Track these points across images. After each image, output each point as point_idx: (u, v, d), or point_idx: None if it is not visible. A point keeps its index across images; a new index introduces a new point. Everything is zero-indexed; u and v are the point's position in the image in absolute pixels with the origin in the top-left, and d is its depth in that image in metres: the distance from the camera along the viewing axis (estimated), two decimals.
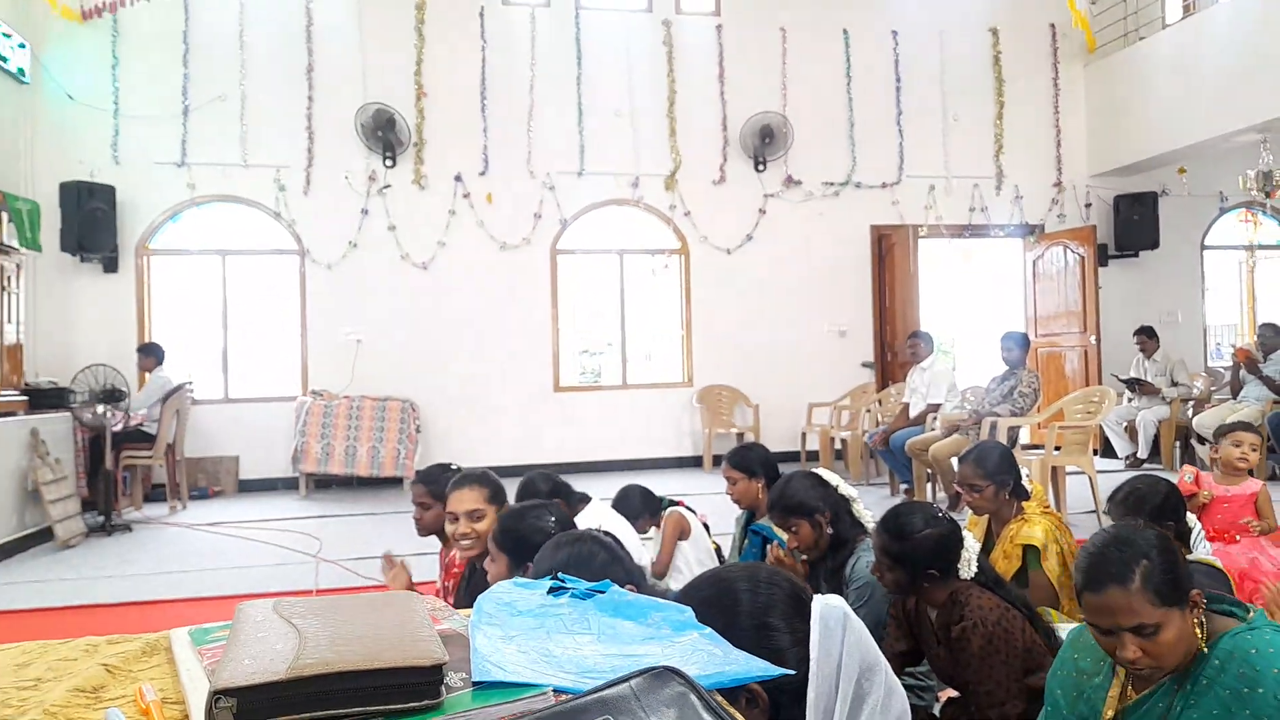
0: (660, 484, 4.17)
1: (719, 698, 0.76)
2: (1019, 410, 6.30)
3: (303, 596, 1.02)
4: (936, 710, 2.58)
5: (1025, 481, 3.27)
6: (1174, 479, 3.17)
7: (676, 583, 3.53)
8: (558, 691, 0.82)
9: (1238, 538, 3.63)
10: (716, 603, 1.21)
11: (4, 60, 7.33)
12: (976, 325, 10.74)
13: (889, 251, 9.33)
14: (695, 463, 8.91)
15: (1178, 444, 8.06)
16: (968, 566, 2.32)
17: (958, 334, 11.66)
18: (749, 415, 8.94)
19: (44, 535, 5.95)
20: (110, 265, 7.98)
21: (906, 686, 1.35)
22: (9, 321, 6.98)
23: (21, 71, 7.56)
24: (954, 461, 5.68)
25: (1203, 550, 3.15)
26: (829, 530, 2.82)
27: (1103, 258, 9.53)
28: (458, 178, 8.57)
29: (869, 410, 8.30)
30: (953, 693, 2.49)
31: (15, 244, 7.08)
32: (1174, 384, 8.25)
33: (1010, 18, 9.65)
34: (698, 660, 0.91)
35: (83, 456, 6.73)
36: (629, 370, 9.20)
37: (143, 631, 1.12)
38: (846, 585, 2.75)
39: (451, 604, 2.43)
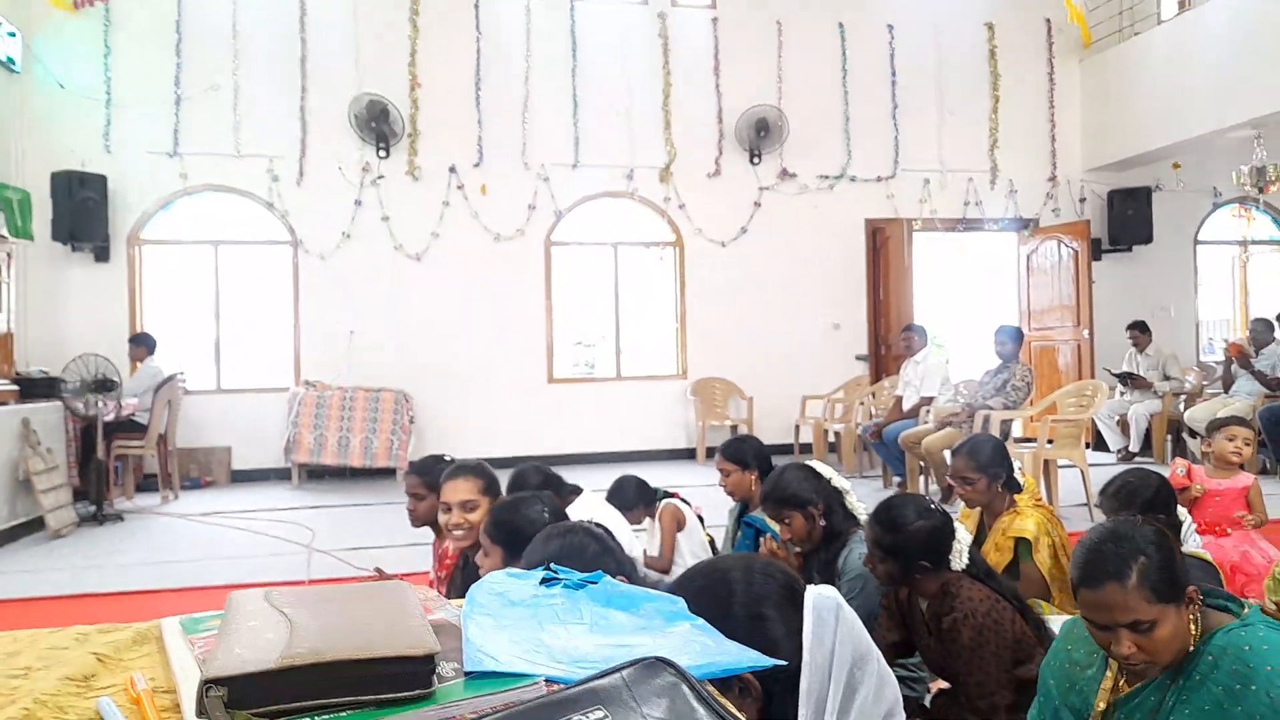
0: (654, 476, 4.18)
1: (710, 688, 0.76)
2: (1012, 404, 6.32)
3: (295, 587, 1.02)
4: (927, 701, 2.59)
5: (1017, 474, 3.29)
6: (1166, 473, 3.18)
7: (672, 575, 3.53)
8: (549, 681, 0.82)
9: (1229, 531, 3.65)
10: (710, 593, 1.21)
11: None
12: (970, 319, 10.76)
13: (883, 245, 9.34)
14: (689, 455, 8.92)
15: (1169, 438, 8.10)
16: (959, 558, 2.33)
17: (951, 327, 11.68)
18: (743, 408, 8.94)
19: (35, 525, 5.94)
20: (102, 255, 7.94)
21: (898, 678, 1.36)
22: (0, 311, 6.95)
23: (12, 60, 7.51)
24: (947, 454, 5.70)
25: (1193, 543, 3.17)
26: (822, 522, 2.83)
27: (1096, 252, 9.55)
28: (452, 169, 8.55)
29: (862, 403, 8.32)
30: (943, 684, 2.51)
31: (6, 233, 7.04)
32: (1166, 378, 8.28)
33: (1006, 12, 9.65)
34: (689, 651, 0.91)
35: (74, 446, 6.71)
36: (623, 362, 9.20)
37: (134, 621, 1.11)
38: (839, 577, 2.75)
39: (444, 594, 2.43)
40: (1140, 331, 8.53)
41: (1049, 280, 9.54)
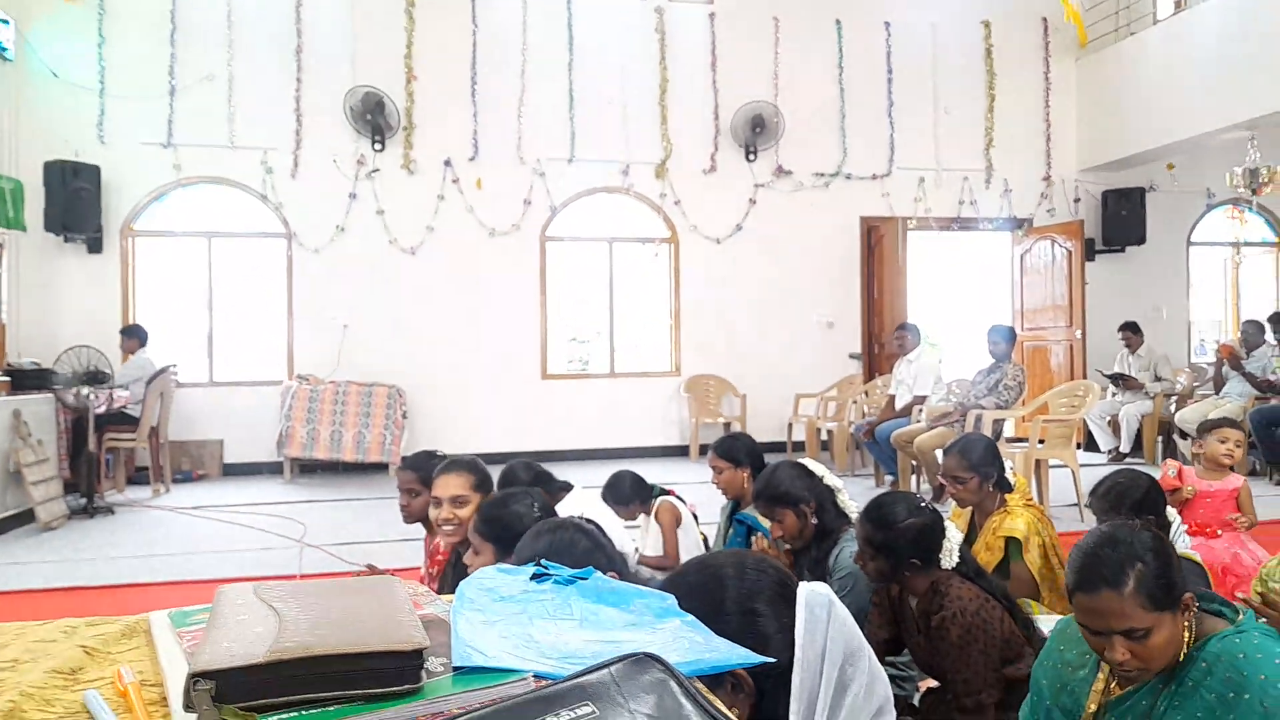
0: (647, 473, 4.18)
1: (699, 685, 0.76)
2: (1004, 403, 6.33)
3: (285, 581, 1.02)
4: (916, 700, 2.60)
5: (1009, 474, 3.29)
6: (1156, 473, 3.19)
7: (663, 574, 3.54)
8: (538, 677, 0.82)
9: (1219, 532, 3.67)
10: (703, 589, 1.21)
11: None
12: (963, 318, 10.78)
13: (878, 243, 9.35)
14: (682, 452, 8.93)
15: (1160, 439, 8.13)
16: (949, 557, 2.34)
17: (945, 326, 11.71)
18: (736, 405, 8.95)
19: (25, 517, 5.92)
20: (95, 246, 7.91)
21: (888, 676, 1.37)
22: None
23: (5, 48, 7.46)
24: (939, 453, 5.72)
25: (1183, 545, 3.18)
26: (813, 520, 2.84)
27: (1090, 252, 9.58)
28: (447, 163, 8.53)
29: (855, 401, 8.33)
30: (933, 682, 2.51)
31: None
32: (1157, 379, 8.31)
33: (1002, 11, 9.66)
34: (679, 647, 0.91)
35: (65, 438, 6.69)
36: (617, 359, 9.19)
37: (124, 614, 1.11)
38: (830, 575, 2.76)
39: (436, 590, 2.43)
40: (1132, 332, 8.56)
41: (1042, 280, 9.57)
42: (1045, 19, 9.75)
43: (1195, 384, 8.66)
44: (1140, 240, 9.72)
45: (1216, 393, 7.81)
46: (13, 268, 7.44)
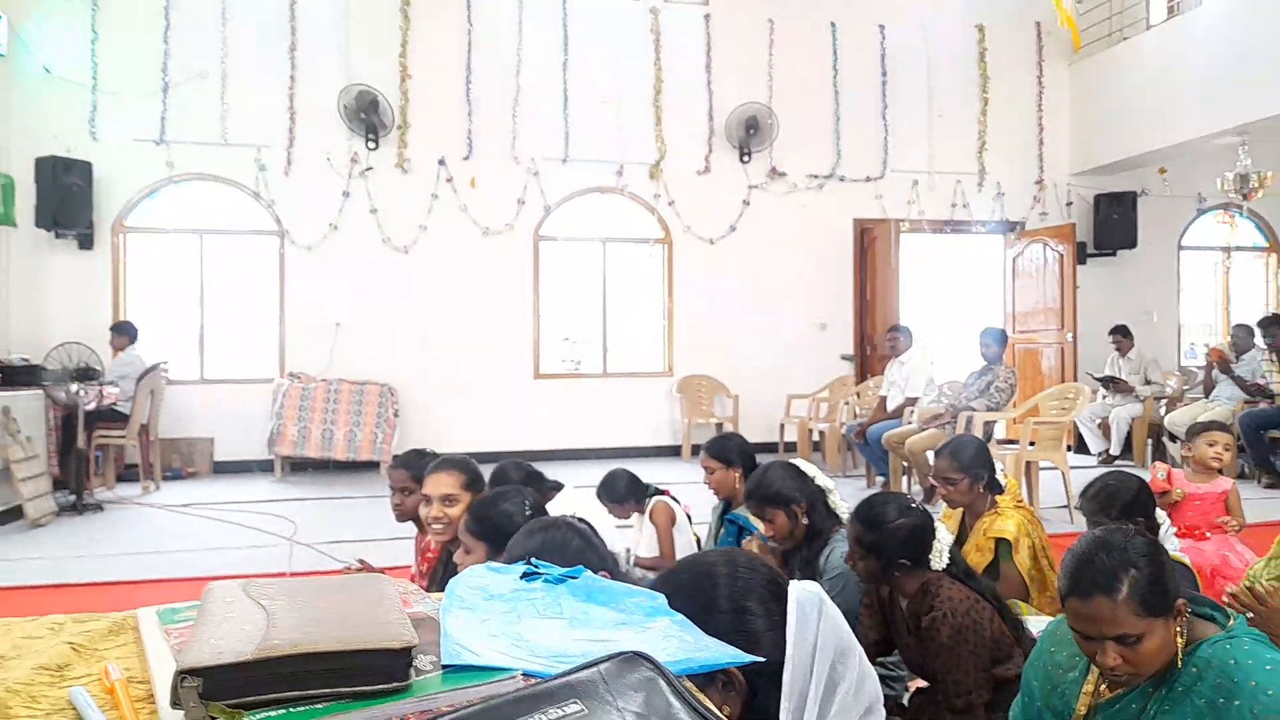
0: (639, 473, 4.17)
1: (688, 683, 0.77)
2: (995, 405, 6.35)
3: (274, 578, 1.02)
4: (906, 700, 2.61)
5: (1000, 476, 3.30)
6: (1146, 476, 3.21)
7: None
8: (527, 675, 0.82)
9: (1208, 535, 3.69)
10: (695, 586, 1.22)
11: None
12: (955, 320, 10.81)
13: (871, 245, 9.37)
14: (674, 452, 8.93)
15: (1150, 442, 8.16)
16: (940, 558, 2.35)
17: (937, 329, 11.74)
18: (728, 405, 8.96)
19: (14, 514, 5.89)
20: (86, 242, 7.87)
21: (878, 676, 1.37)
22: None
23: None
24: (930, 455, 5.73)
25: (1172, 547, 3.19)
26: (804, 520, 2.84)
27: (1081, 256, 9.61)
28: (441, 161, 8.52)
29: (847, 403, 8.35)
30: (922, 682, 2.52)
31: None
32: (1147, 382, 8.35)
33: (996, 15, 9.69)
34: (668, 646, 0.91)
35: (55, 435, 6.65)
36: (610, 359, 9.19)
37: (113, 611, 1.10)
38: (821, 575, 2.76)
39: (426, 589, 2.42)
40: (1123, 336, 8.60)
41: (1034, 283, 9.60)
42: (1039, 23, 9.78)
43: (1185, 387, 8.70)
44: (1131, 244, 9.76)
45: (1206, 396, 7.85)
46: (3, 264, 7.41)
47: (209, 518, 6.13)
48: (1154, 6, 9.39)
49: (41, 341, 7.33)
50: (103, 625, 1.04)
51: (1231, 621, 1.61)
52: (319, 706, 0.76)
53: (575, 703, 0.68)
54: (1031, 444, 6.07)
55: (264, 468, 7.95)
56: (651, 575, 3.32)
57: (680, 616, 1.00)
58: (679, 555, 3.67)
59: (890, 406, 7.12)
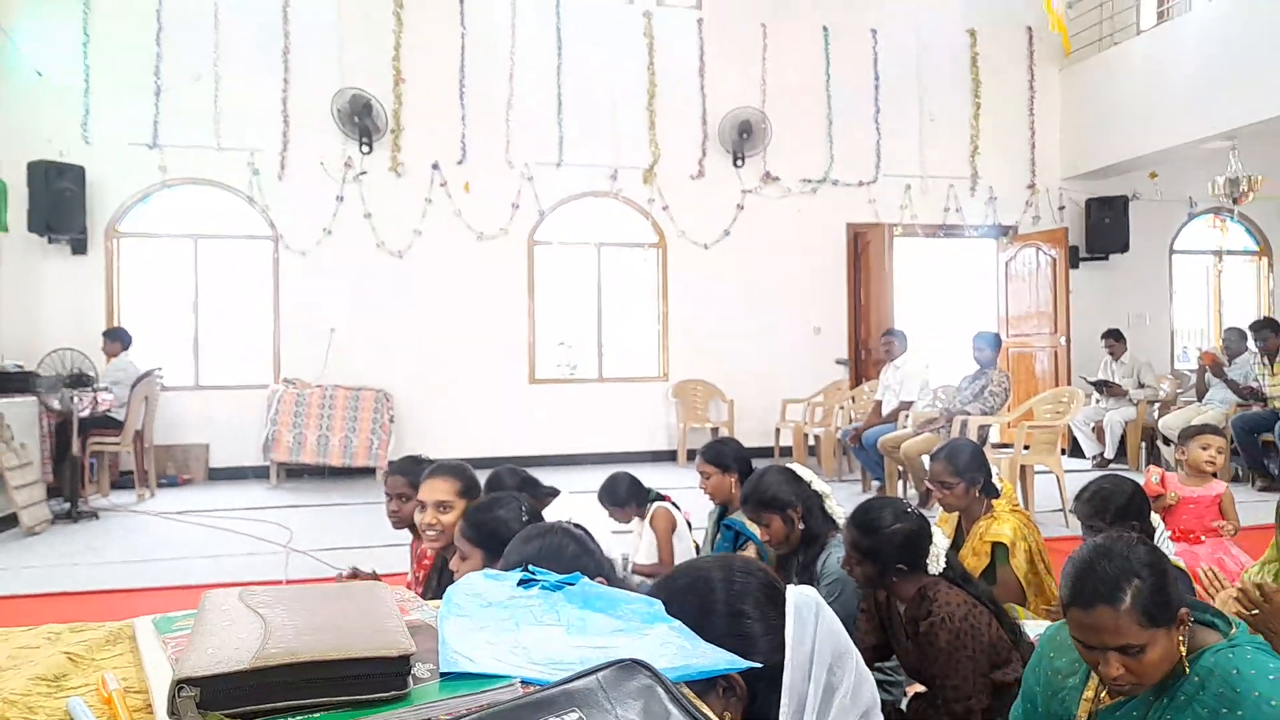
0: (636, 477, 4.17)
1: (686, 690, 0.76)
2: (989, 409, 6.37)
3: (271, 586, 1.02)
4: (904, 705, 2.61)
5: (995, 480, 3.31)
6: (1140, 479, 3.22)
7: None
8: (525, 683, 0.82)
9: (1202, 538, 3.70)
10: (691, 591, 1.23)
11: None
12: (949, 324, 10.84)
13: (864, 249, 9.38)
14: (670, 457, 8.93)
15: (1144, 445, 8.18)
16: (936, 562, 2.35)
17: (931, 333, 11.77)
18: (723, 410, 8.96)
19: (8, 522, 5.86)
20: (79, 247, 7.85)
21: (875, 682, 1.36)
22: None
23: None
24: (925, 459, 5.74)
25: (1165, 551, 3.20)
26: (800, 525, 2.84)
27: (1074, 260, 9.64)
28: (435, 166, 8.52)
29: (842, 407, 8.36)
30: (920, 687, 2.52)
31: None
32: (1141, 386, 8.38)
33: (988, 20, 9.72)
34: (666, 653, 0.91)
35: (49, 442, 6.63)
36: (605, 363, 9.19)
37: (108, 620, 1.10)
38: (818, 580, 2.77)
39: (422, 596, 2.42)
40: (1115, 339, 8.63)
41: (1027, 287, 9.63)
42: (1030, 28, 9.82)
43: (1178, 391, 8.73)
44: (1123, 248, 9.80)
45: (1199, 399, 7.88)
46: None
47: (204, 525, 6.11)
48: (1144, 12, 9.44)
49: (34, 348, 7.29)
50: (99, 635, 1.04)
51: (1234, 630, 1.59)
52: (317, 715, 0.76)
53: (574, 710, 0.68)
54: (1026, 448, 6.08)
55: (259, 474, 7.92)
56: (649, 582, 3.32)
57: (678, 623, 1.00)
58: (677, 562, 3.66)
59: (885, 411, 7.13)
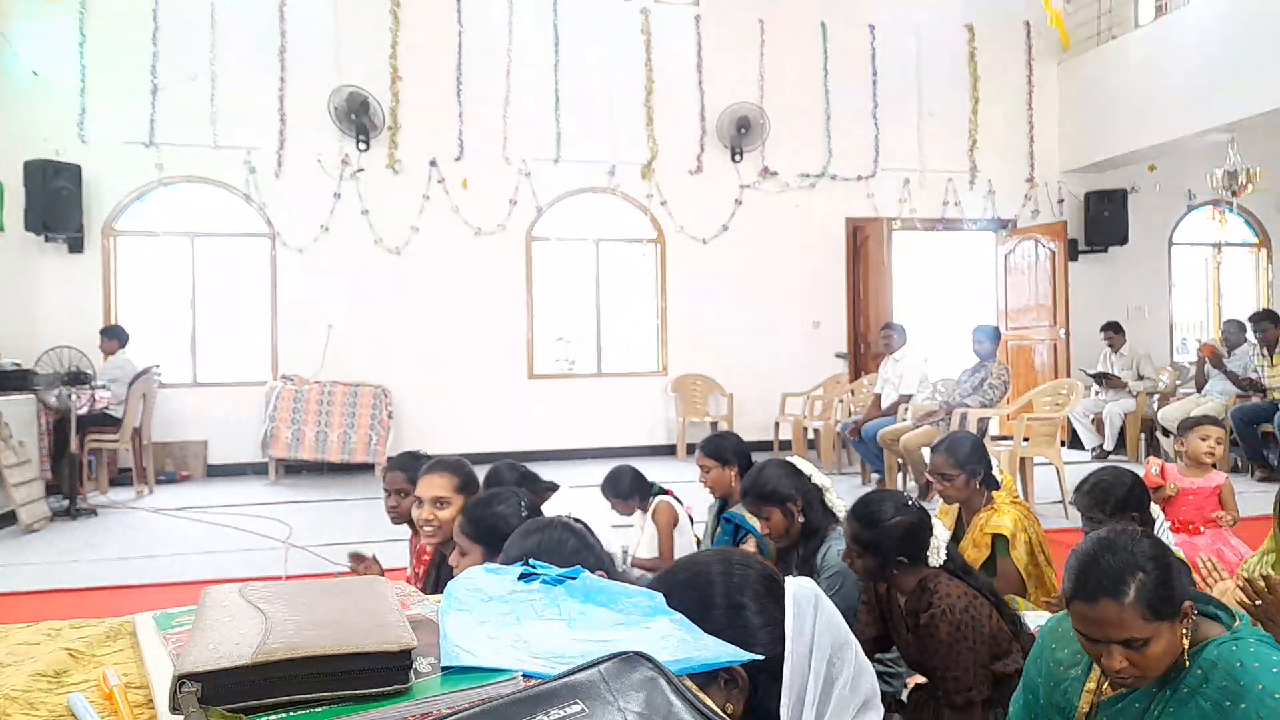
0: None
1: (688, 683, 0.76)
2: (989, 402, 6.37)
3: (271, 582, 1.02)
4: (904, 696, 2.61)
5: (995, 472, 3.31)
6: (1139, 471, 3.22)
7: None
8: (527, 676, 0.82)
9: (1202, 529, 3.70)
10: (691, 585, 1.23)
11: None
12: (948, 318, 10.84)
13: (863, 243, 9.38)
14: (669, 451, 8.93)
15: (1143, 437, 8.19)
16: (936, 555, 2.35)
17: (930, 326, 11.77)
18: (723, 404, 8.97)
19: (7, 519, 5.86)
20: (76, 245, 7.84)
21: (876, 673, 1.37)
22: None
23: None
24: (924, 452, 5.75)
25: (1165, 542, 3.20)
26: (800, 518, 2.84)
27: (1073, 253, 9.64)
28: (432, 163, 8.50)
29: (841, 400, 8.36)
30: (921, 679, 2.52)
31: None
32: (1140, 378, 8.38)
33: (986, 15, 9.71)
34: (668, 646, 0.91)
35: (47, 440, 6.63)
36: (604, 359, 9.19)
37: (108, 617, 1.10)
38: (818, 574, 2.77)
39: (421, 591, 2.41)
40: (1115, 332, 8.63)
41: (1026, 280, 9.63)
42: (1028, 22, 9.81)
43: (1177, 382, 8.74)
44: (1122, 241, 9.80)
45: (1198, 391, 7.89)
46: None
47: (203, 521, 6.11)
48: (1142, 5, 9.43)
49: (32, 346, 7.29)
50: (100, 631, 1.04)
51: (1237, 622, 1.59)
52: (318, 710, 0.75)
53: (577, 703, 0.68)
54: (1025, 440, 6.09)
55: (258, 471, 7.92)
56: (649, 576, 3.32)
57: (680, 616, 1.00)
58: (677, 557, 3.66)
59: (884, 404, 7.13)
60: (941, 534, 2.38)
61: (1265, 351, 7.40)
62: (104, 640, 1.01)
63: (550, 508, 2.89)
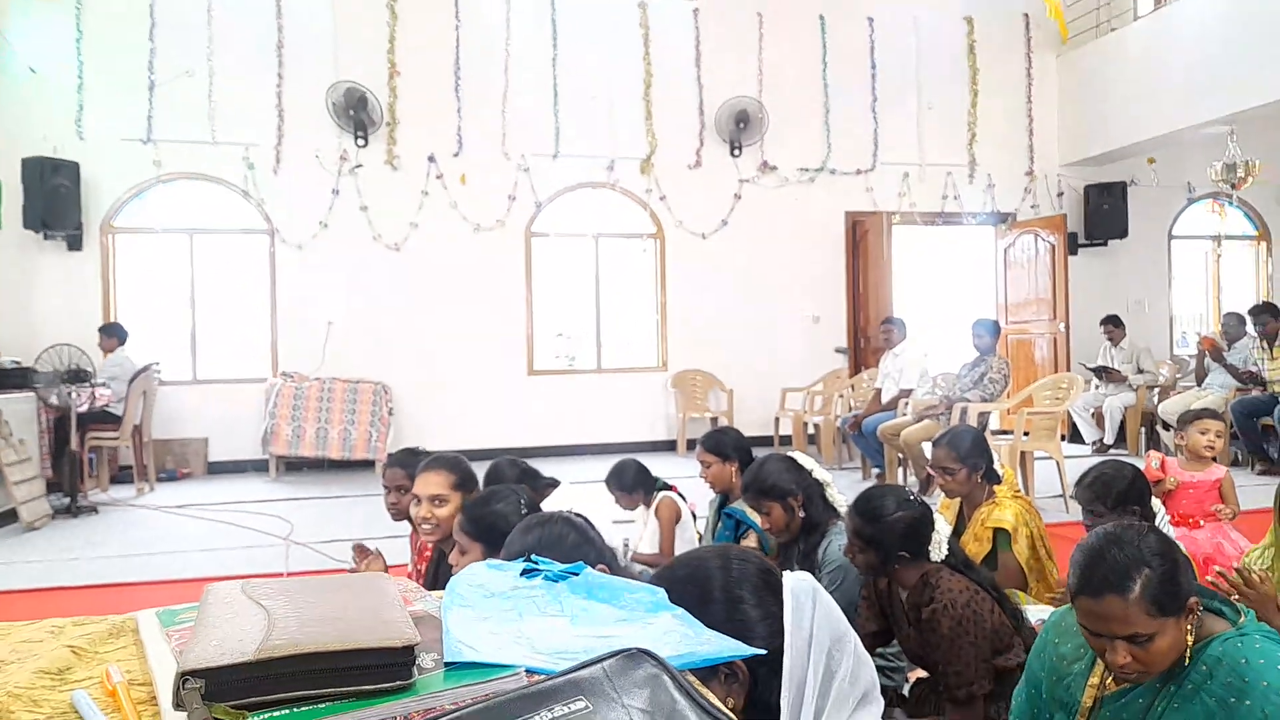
0: None
1: (692, 679, 0.76)
2: (989, 396, 6.37)
3: (273, 579, 1.02)
4: (906, 690, 2.61)
5: (996, 466, 3.31)
6: (1140, 465, 3.22)
7: None
8: (530, 672, 0.82)
9: (1202, 523, 3.71)
10: (690, 580, 1.24)
11: None
12: (948, 312, 10.84)
13: (863, 238, 9.37)
14: (669, 447, 8.93)
15: (1143, 430, 8.19)
16: (938, 549, 2.35)
17: (930, 320, 11.77)
18: (723, 400, 8.97)
19: (8, 517, 5.86)
20: (74, 243, 7.83)
21: (877, 668, 1.37)
22: None
23: None
24: (925, 446, 5.75)
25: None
26: (801, 513, 2.84)
27: (1073, 246, 9.64)
28: (431, 158, 8.49)
29: (842, 395, 8.36)
30: (922, 673, 2.53)
31: None
32: (1140, 371, 8.38)
33: (985, 7, 9.68)
34: (670, 641, 0.91)
35: (47, 437, 6.63)
36: (604, 354, 9.19)
37: (110, 614, 1.10)
38: (819, 569, 2.77)
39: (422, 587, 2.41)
40: (1114, 325, 8.63)
41: (1026, 274, 9.62)
42: (1027, 15, 9.79)
43: (1177, 376, 8.74)
44: (1122, 234, 9.79)
45: (1198, 384, 7.88)
46: None
47: (204, 518, 6.11)
48: None
49: (31, 344, 7.28)
50: (102, 628, 1.04)
51: (1242, 618, 1.58)
52: (322, 706, 0.75)
53: (580, 699, 0.68)
54: (1026, 434, 6.09)
55: (259, 467, 7.93)
56: (650, 571, 3.32)
57: (681, 611, 1.00)
58: (678, 553, 3.66)
59: (885, 399, 7.13)
60: (943, 529, 2.38)
61: (1265, 345, 7.40)
62: (107, 637, 1.01)
63: (551, 504, 2.89)
